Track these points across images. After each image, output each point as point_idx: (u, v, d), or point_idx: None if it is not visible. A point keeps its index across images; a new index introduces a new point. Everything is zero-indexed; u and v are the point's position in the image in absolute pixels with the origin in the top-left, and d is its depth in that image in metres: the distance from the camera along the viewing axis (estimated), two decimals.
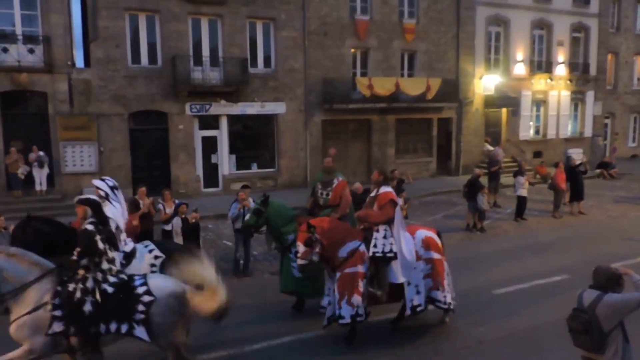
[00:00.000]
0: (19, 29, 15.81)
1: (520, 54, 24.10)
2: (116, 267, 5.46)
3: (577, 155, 22.16)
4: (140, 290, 5.18)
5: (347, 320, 6.54)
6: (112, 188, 6.04)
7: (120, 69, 16.87)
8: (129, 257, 6.17)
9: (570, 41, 25.61)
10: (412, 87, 20.55)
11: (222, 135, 18.75)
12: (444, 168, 23.09)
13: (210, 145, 18.64)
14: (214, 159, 18.76)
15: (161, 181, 16.69)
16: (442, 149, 23.03)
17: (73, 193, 16.23)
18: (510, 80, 23.85)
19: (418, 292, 6.87)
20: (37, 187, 15.71)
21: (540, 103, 25.50)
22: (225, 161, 18.83)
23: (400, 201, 11.99)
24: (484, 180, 14.31)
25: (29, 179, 15.61)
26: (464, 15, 22.31)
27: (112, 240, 5.49)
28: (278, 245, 7.92)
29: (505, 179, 18.78)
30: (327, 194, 7.77)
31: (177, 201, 10.11)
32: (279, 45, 19.15)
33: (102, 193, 5.89)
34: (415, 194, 15.52)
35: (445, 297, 7.04)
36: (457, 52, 22.40)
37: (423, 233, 7.16)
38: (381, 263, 6.67)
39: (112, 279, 5.27)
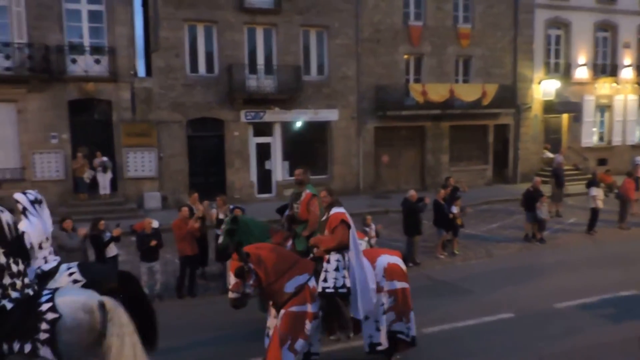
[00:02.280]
0: (86, 41, 16.71)
1: (582, 57, 23.12)
2: (23, 282, 4.91)
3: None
4: (45, 307, 4.62)
5: None
6: (33, 202, 5.62)
7: (179, 78, 17.48)
8: (46, 276, 5.55)
9: (637, 43, 24.34)
10: (467, 93, 20.15)
11: (276, 141, 19.03)
12: (500, 176, 22.43)
13: (264, 152, 18.95)
14: (267, 165, 19.05)
15: (217, 186, 17.04)
16: (499, 156, 22.39)
17: (134, 197, 16.97)
18: (571, 84, 22.92)
19: (378, 329, 5.97)
20: (101, 191, 16.46)
21: (604, 108, 24.35)
22: (278, 167, 19.09)
23: (455, 209, 11.89)
24: (545, 189, 13.76)
25: (94, 183, 16.40)
26: (521, 18, 21.67)
27: (19, 252, 4.96)
28: None
29: (568, 187, 18.05)
30: (298, 207, 7.39)
31: (231, 206, 10.27)
32: (332, 53, 19.27)
33: (20, 207, 5.48)
34: (470, 203, 15.13)
35: (409, 328, 6.21)
36: (515, 56, 21.78)
37: (385, 260, 6.21)
38: (332, 301, 5.70)
39: (14, 294, 4.74)
